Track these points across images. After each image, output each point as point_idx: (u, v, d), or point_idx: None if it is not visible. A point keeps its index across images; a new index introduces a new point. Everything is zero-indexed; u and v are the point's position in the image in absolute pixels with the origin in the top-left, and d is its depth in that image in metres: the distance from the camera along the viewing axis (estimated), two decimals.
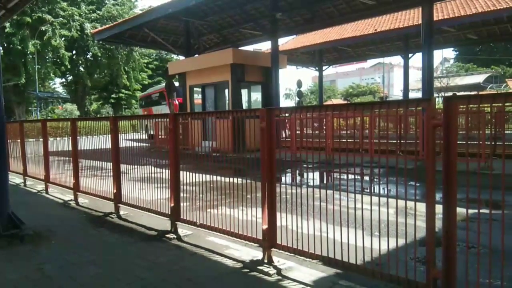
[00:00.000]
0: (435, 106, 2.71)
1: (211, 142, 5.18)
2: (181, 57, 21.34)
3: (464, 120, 11.18)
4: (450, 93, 16.45)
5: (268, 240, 3.67)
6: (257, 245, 3.83)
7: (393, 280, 2.87)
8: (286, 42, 25.49)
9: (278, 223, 3.72)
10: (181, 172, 4.84)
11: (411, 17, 18.95)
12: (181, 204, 4.84)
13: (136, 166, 5.67)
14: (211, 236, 4.56)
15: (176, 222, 4.80)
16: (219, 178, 4.51)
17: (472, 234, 2.61)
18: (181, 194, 4.87)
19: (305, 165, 3.72)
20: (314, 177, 7.06)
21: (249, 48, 21.22)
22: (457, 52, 55.06)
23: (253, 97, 16.79)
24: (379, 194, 3.03)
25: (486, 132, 8.93)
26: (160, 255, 4.13)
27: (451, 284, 2.56)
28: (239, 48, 18.87)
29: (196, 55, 19.44)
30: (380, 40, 22.89)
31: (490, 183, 2.47)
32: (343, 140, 3.92)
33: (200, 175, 4.70)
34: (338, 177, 3.66)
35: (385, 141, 4.09)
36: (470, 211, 2.65)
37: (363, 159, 3.36)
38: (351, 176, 5.10)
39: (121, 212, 5.92)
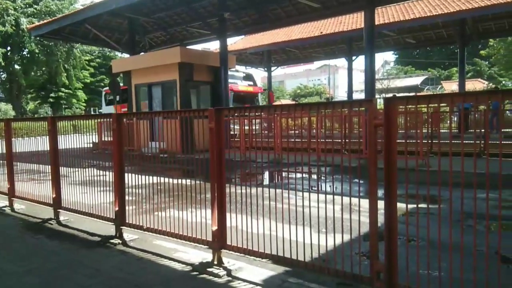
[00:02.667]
0: (377, 107, 2.82)
1: (158, 142, 5.04)
2: (126, 55, 20.62)
3: (403, 120, 11.84)
4: (390, 94, 17.34)
5: (218, 241, 3.64)
6: (207, 247, 3.78)
7: (340, 275, 2.95)
8: (235, 42, 25.51)
9: (228, 224, 3.69)
10: (126, 174, 4.67)
11: (355, 21, 19.73)
12: (127, 207, 4.66)
13: (77, 169, 5.39)
14: (159, 240, 4.44)
15: (121, 227, 4.62)
16: (167, 179, 4.40)
17: (412, 227, 2.74)
18: (127, 197, 4.69)
19: (255, 165, 3.73)
20: (263, 176, 7.11)
21: (198, 47, 21.00)
22: (397, 56, 58.15)
23: (202, 96, 16.62)
24: (325, 192, 3.10)
25: (424, 131, 9.49)
26: (104, 261, 3.95)
27: (393, 277, 2.68)
28: (187, 47, 18.60)
29: (142, 53, 18.89)
30: (326, 43, 23.61)
31: (428, 179, 2.62)
32: (292, 140, 3.97)
33: (147, 177, 4.55)
34: (287, 176, 3.72)
35: (331, 140, 4.21)
36: (410, 206, 2.80)
37: (310, 158, 3.43)
38: (299, 175, 5.20)
39: (62, 218, 5.60)
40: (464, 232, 2.46)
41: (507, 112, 14.50)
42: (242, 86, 20.13)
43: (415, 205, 2.80)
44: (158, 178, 4.41)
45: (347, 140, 9.65)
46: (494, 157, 2.76)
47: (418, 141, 8.34)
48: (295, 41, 21.72)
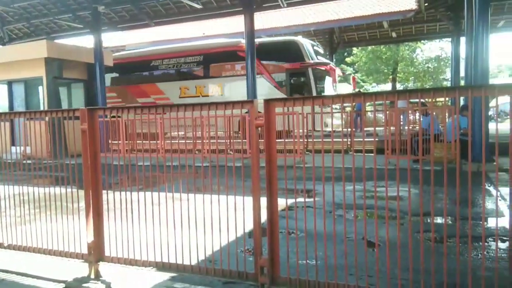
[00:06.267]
0: (258, 108, 2.90)
1: (21, 147, 4.43)
2: None
3: (282, 120, 12.55)
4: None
5: (95, 254, 3.34)
6: (83, 260, 3.45)
7: (226, 274, 2.97)
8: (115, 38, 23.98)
9: (107, 234, 3.42)
10: None
11: (238, 24, 20.27)
12: None
13: None
14: (25, 258, 3.89)
15: None
16: (32, 188, 3.89)
17: (291, 221, 2.90)
18: None
19: (136, 169, 3.53)
20: (148, 180, 6.77)
21: (73, 42, 19.18)
22: None
23: (74, 95, 15.23)
24: (211, 192, 3.09)
25: (300, 130, 10.20)
26: None
27: (275, 270, 2.79)
28: (56, 40, 16.87)
29: (0, 46, 16.52)
30: None
31: (304, 175, 2.79)
32: (175, 141, 3.86)
33: (7, 187, 3.96)
34: (171, 178, 3.60)
35: (216, 141, 4.22)
36: (290, 200, 2.95)
37: (194, 159, 3.38)
38: (184, 177, 5.08)
39: None
40: (336, 222, 2.68)
41: (368, 113, 16.49)
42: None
43: (294, 200, 2.97)
44: (21, 187, 3.87)
45: (232, 141, 9.86)
46: (358, 153, 3.08)
47: (296, 140, 8.92)
48: (177, 41, 21.36)
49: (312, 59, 15.03)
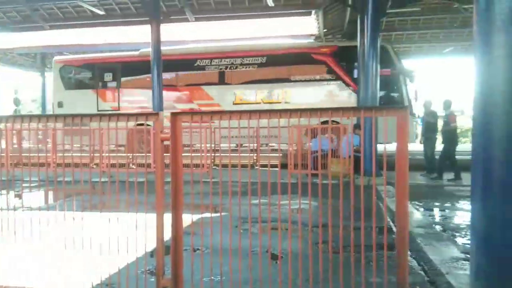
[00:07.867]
0: (163, 121, 2.81)
1: None
2: None
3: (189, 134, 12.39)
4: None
5: None
6: None
7: None
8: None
9: None
10: None
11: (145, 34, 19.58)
12: None
13: None
14: None
15: None
16: None
17: (197, 237, 2.83)
18: None
19: (23, 184, 3.15)
20: (34, 197, 6.10)
21: None
22: None
23: None
24: (109, 210, 2.88)
25: (208, 144, 10.16)
26: None
27: None
28: None
29: None
30: (110, 51, 22.56)
31: (211, 190, 2.76)
32: (69, 154, 3.55)
33: None
34: (64, 195, 3.29)
35: (116, 154, 3.97)
36: (196, 216, 2.88)
37: (91, 174, 3.13)
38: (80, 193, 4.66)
39: None
40: (242, 236, 2.69)
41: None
42: None
43: (200, 215, 2.92)
44: None
45: (134, 154, 9.42)
46: (264, 168, 3.15)
47: (203, 154, 8.87)
48: (72, 46, 19.84)
49: (400, 64, 13.49)
